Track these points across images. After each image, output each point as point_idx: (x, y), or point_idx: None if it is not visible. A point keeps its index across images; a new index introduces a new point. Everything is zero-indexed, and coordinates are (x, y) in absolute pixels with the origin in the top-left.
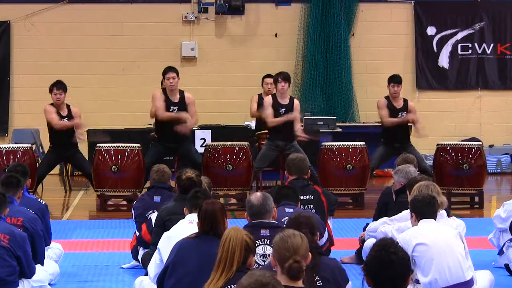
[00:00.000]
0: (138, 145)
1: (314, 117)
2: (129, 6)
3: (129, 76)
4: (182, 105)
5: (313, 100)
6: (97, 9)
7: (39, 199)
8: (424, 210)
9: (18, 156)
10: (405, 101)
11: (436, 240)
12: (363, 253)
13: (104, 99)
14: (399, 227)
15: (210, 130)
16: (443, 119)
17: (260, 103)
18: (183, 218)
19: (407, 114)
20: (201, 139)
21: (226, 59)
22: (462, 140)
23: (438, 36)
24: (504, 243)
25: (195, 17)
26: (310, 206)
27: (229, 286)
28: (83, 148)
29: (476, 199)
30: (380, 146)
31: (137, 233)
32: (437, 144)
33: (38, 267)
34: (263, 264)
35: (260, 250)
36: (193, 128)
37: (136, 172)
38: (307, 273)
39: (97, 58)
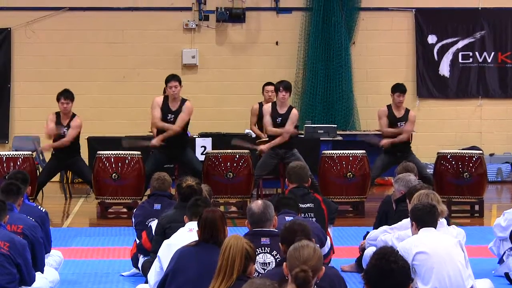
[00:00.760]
0: (139, 152)
1: (315, 125)
2: (130, 14)
3: (129, 84)
4: (180, 114)
5: (314, 108)
6: (98, 16)
7: (39, 207)
8: (424, 218)
9: (18, 163)
10: (407, 110)
11: (436, 249)
12: (363, 261)
13: (105, 107)
14: (399, 236)
15: (210, 138)
16: (444, 128)
17: (261, 112)
18: (183, 226)
19: (405, 124)
20: (201, 146)
21: (227, 67)
22: (463, 149)
23: (439, 44)
24: (504, 252)
25: (196, 25)
26: (311, 214)
27: None
28: (84, 155)
29: (477, 207)
30: (381, 155)
31: (137, 241)
32: (438, 153)
33: (38, 274)
34: (263, 272)
35: (260, 258)
36: (194, 136)
37: (137, 180)
38: None
39: (97, 65)
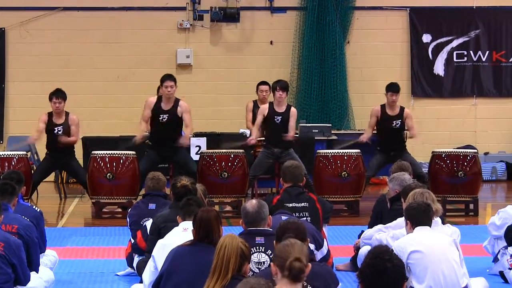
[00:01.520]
0: (133, 152)
1: (309, 124)
2: (124, 14)
3: (124, 84)
4: (173, 113)
5: (309, 108)
6: (92, 16)
7: (34, 207)
8: (419, 217)
9: (13, 163)
10: (402, 109)
11: (431, 248)
12: (358, 260)
13: (99, 106)
14: (394, 235)
15: (205, 138)
16: (438, 127)
17: (255, 110)
18: (178, 225)
19: (404, 123)
20: (196, 146)
21: (221, 66)
22: (457, 148)
23: (434, 43)
24: (499, 251)
25: (190, 25)
26: (305, 214)
27: None
28: (78, 155)
29: (471, 206)
30: (376, 154)
31: (132, 241)
32: (432, 152)
33: (33, 274)
34: (258, 271)
35: (255, 257)
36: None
37: (131, 180)
38: None
39: (92, 65)
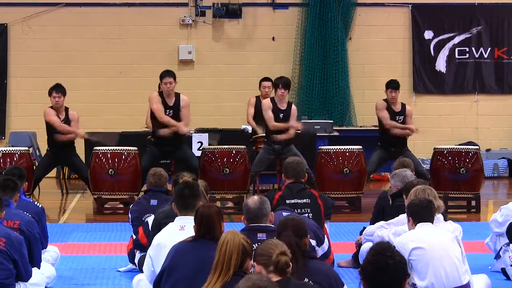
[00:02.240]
0: (135, 148)
1: (311, 120)
2: (127, 10)
3: (126, 80)
4: (177, 108)
5: (310, 104)
6: (94, 12)
7: (35, 202)
8: (421, 214)
9: (15, 159)
10: (403, 105)
11: (433, 244)
12: (360, 257)
13: (101, 102)
14: (396, 231)
15: (207, 134)
16: (440, 123)
17: (258, 106)
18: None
19: (405, 120)
20: (198, 142)
21: (223, 62)
22: (459, 144)
23: (435, 40)
24: (501, 247)
25: (193, 21)
26: (307, 210)
27: None
28: (80, 151)
29: (473, 203)
30: (377, 150)
31: (134, 237)
32: (434, 148)
33: (34, 270)
34: None
35: None
36: (190, 132)
37: (133, 176)
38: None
39: (94, 61)
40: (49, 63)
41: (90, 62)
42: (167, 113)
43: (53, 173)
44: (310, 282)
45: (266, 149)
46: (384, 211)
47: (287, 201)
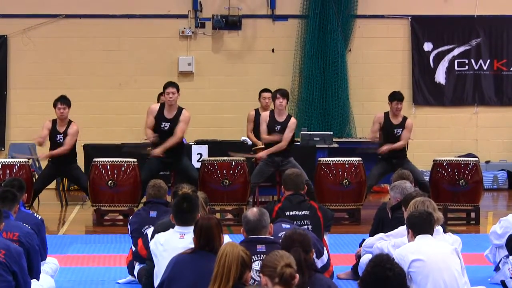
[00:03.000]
0: (135, 160)
1: (311, 132)
2: (126, 21)
3: (125, 91)
4: (176, 122)
5: (310, 116)
6: (94, 23)
7: (35, 214)
8: (420, 226)
9: (14, 170)
10: (404, 118)
11: (432, 256)
12: (359, 269)
13: (101, 114)
14: (395, 243)
15: (206, 145)
16: (440, 135)
17: (257, 118)
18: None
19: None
20: (197, 154)
21: (223, 74)
22: (459, 156)
23: (435, 52)
24: (500, 259)
25: (192, 32)
26: (307, 222)
27: None
28: (80, 162)
29: (473, 215)
30: (378, 163)
31: (133, 248)
32: (434, 160)
33: (33, 282)
34: (259, 280)
35: (256, 265)
36: (190, 143)
37: (133, 187)
38: None
39: (94, 72)
40: (48, 75)
41: (90, 74)
42: (162, 126)
43: (52, 184)
44: None
45: (266, 161)
46: (383, 223)
47: (287, 213)
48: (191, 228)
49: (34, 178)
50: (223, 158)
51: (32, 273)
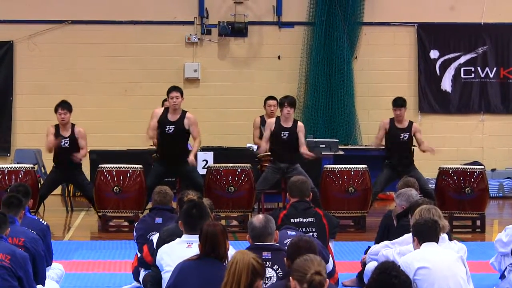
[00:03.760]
0: (140, 166)
1: (316, 139)
2: (132, 28)
3: (131, 97)
4: (180, 125)
5: (316, 123)
6: (100, 30)
7: (40, 220)
8: (426, 234)
9: (20, 176)
10: (410, 123)
11: (438, 264)
12: (365, 276)
13: (107, 120)
14: (401, 251)
15: (212, 152)
16: (445, 143)
17: (263, 125)
18: None
19: (411, 137)
20: (203, 160)
21: (228, 80)
22: (464, 164)
23: (441, 59)
24: (506, 267)
25: (198, 39)
26: (312, 229)
27: None
28: (85, 169)
29: (478, 223)
30: (384, 169)
31: (139, 254)
32: (439, 168)
33: (39, 287)
34: (264, 287)
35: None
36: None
37: (138, 193)
38: None
39: (99, 79)
40: (54, 81)
41: (96, 80)
42: (167, 129)
43: (58, 190)
44: None
45: (272, 168)
46: (389, 231)
47: (292, 220)
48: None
49: (39, 184)
50: (228, 164)
51: (38, 279)
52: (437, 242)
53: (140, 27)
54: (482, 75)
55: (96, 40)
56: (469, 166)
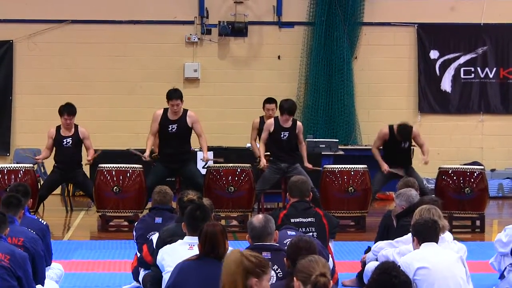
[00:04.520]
0: (140, 166)
1: (316, 139)
2: (132, 27)
3: (131, 97)
4: (182, 123)
5: (315, 123)
6: (100, 29)
7: (40, 219)
8: (425, 234)
9: (19, 175)
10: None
11: (437, 264)
12: (365, 276)
13: (106, 120)
14: (400, 251)
15: (212, 152)
16: (445, 143)
17: (262, 126)
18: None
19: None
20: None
21: (228, 80)
22: (464, 164)
23: (441, 60)
24: (505, 267)
25: (198, 39)
26: (312, 229)
27: None
28: (85, 168)
29: (478, 223)
30: (381, 169)
31: (138, 254)
32: (439, 168)
33: (38, 287)
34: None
35: None
36: (195, 149)
37: (138, 193)
38: None
39: (99, 78)
40: (54, 80)
41: (95, 80)
42: (169, 129)
43: (57, 190)
44: None
45: (272, 168)
46: (388, 231)
47: (292, 220)
48: None
49: (39, 184)
50: (228, 164)
51: (37, 279)
52: (436, 242)
53: (140, 27)
54: (482, 76)
55: (96, 39)
56: (469, 166)
